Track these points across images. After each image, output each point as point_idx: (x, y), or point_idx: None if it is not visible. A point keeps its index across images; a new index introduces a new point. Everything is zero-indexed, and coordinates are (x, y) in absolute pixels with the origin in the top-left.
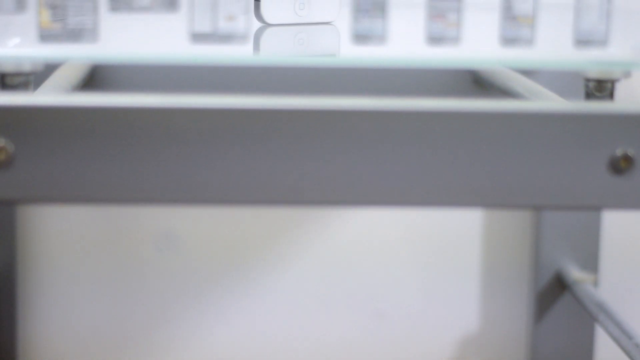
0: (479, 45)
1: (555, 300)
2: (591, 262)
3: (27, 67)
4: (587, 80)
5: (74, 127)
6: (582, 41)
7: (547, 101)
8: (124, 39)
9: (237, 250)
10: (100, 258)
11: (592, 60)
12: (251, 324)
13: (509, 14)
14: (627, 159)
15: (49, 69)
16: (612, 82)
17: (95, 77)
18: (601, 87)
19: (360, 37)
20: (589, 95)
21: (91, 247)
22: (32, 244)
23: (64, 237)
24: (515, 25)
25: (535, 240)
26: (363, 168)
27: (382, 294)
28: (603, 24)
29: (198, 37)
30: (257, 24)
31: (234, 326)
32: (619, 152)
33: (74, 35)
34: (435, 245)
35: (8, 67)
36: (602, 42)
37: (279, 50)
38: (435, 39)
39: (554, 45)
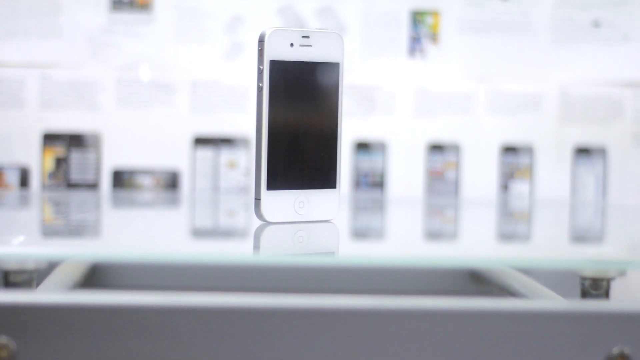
0: (475, 240)
1: None
2: None
3: (30, 265)
4: (583, 278)
5: (75, 325)
6: (578, 237)
7: (544, 299)
8: (125, 234)
9: None
10: None
11: (587, 260)
12: None
13: (505, 210)
14: (624, 358)
15: (51, 265)
16: (608, 280)
17: (96, 273)
18: (597, 286)
19: (359, 235)
20: (585, 294)
21: None
22: None
23: None
24: (511, 221)
25: None
26: None
27: None
28: (598, 220)
29: (199, 233)
30: (257, 222)
31: None
32: (615, 350)
33: (77, 231)
34: None
35: (11, 265)
36: (598, 238)
37: (278, 248)
38: (433, 235)
39: (549, 241)
